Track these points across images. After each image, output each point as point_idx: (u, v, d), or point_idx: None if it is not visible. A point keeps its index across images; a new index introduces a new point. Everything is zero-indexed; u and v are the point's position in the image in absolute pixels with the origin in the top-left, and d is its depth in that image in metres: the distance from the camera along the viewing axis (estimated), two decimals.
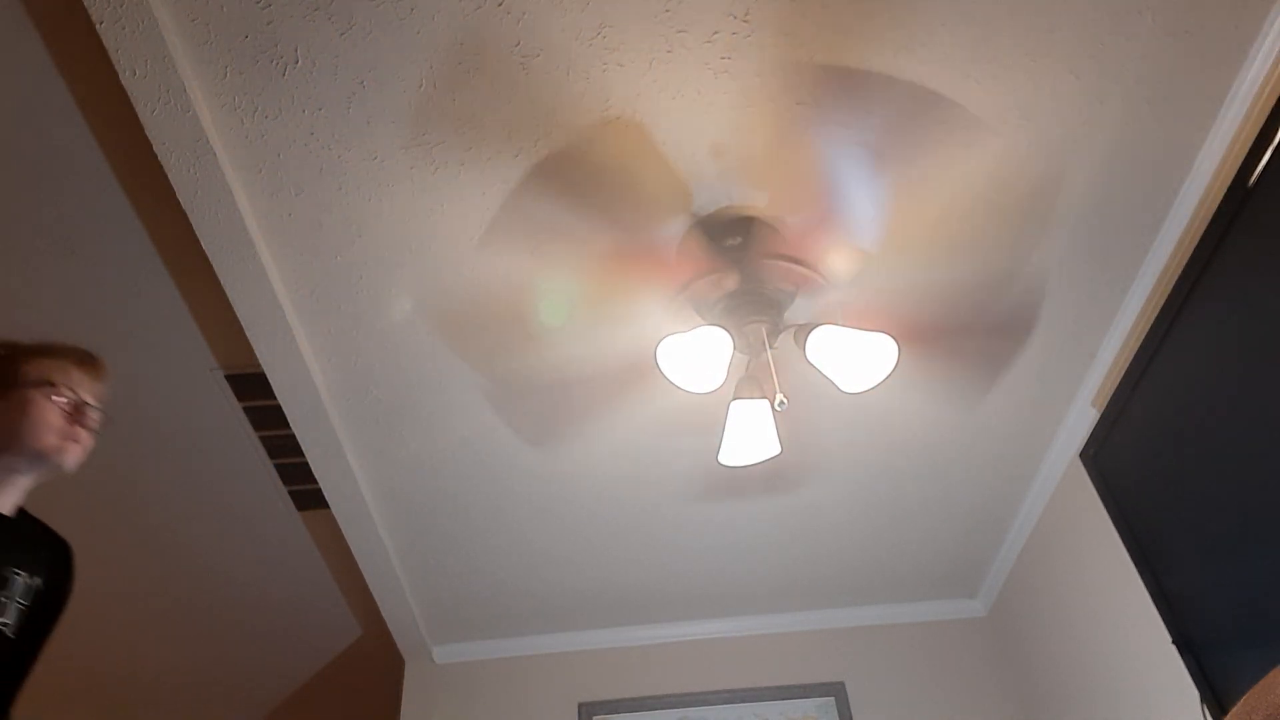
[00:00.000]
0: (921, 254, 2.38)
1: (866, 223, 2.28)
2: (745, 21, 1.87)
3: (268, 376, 2.53)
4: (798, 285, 2.33)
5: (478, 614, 3.63)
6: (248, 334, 2.39)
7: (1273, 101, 2.01)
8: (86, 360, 1.77)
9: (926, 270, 2.42)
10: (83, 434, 1.71)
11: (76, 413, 1.70)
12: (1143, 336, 2.47)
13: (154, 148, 1.96)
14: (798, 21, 1.88)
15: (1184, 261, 2.28)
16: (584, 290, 2.38)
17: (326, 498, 2.95)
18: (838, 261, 2.33)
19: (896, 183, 2.19)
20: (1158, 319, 2.38)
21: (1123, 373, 2.55)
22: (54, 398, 1.68)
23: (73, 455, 1.69)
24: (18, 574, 1.62)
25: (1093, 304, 2.58)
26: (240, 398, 2.94)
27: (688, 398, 2.65)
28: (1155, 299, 2.45)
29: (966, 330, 2.60)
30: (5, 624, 1.60)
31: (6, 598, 1.60)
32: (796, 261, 2.28)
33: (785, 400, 2.17)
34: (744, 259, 2.23)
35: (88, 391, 1.74)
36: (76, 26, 1.91)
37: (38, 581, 1.66)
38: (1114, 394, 2.58)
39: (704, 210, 2.22)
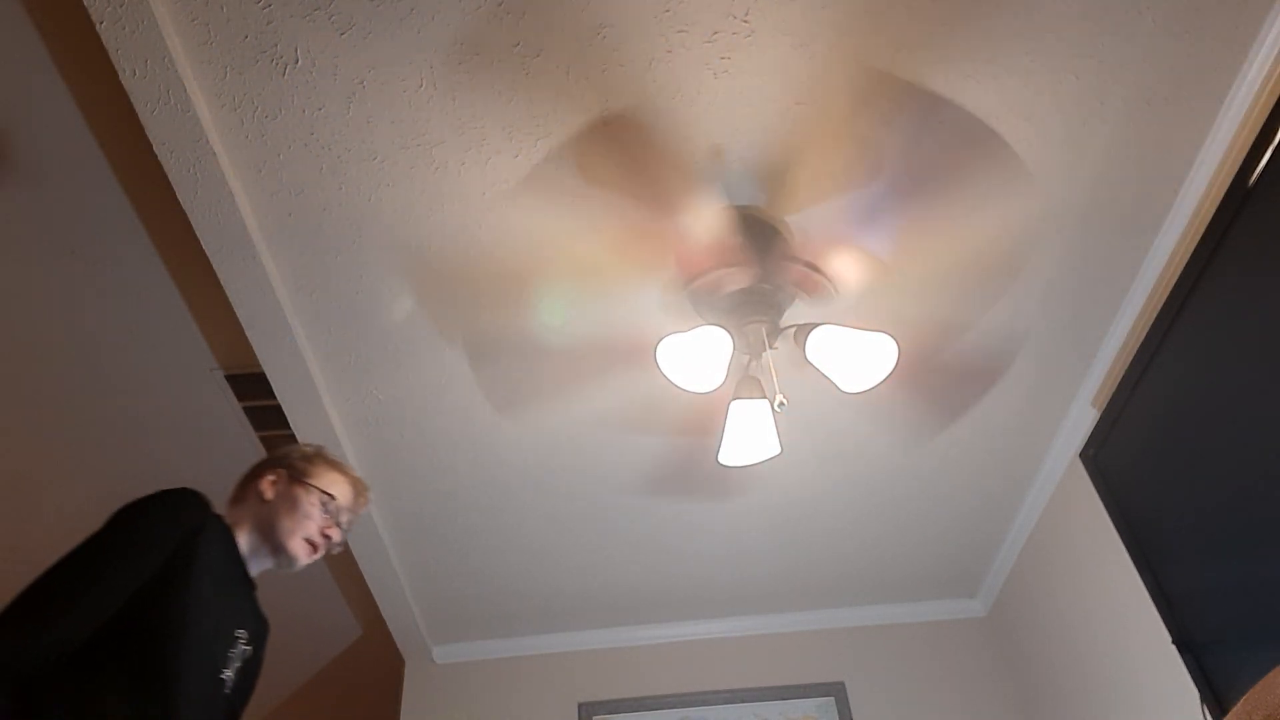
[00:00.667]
0: (922, 294, 2.38)
1: (880, 232, 2.29)
2: (745, 21, 1.87)
3: (268, 376, 2.53)
4: (810, 291, 2.32)
5: (478, 614, 3.63)
6: (248, 334, 2.39)
7: (1273, 101, 2.01)
8: (361, 490, 1.88)
9: (924, 308, 2.42)
10: (322, 550, 1.80)
11: (330, 530, 1.80)
12: (1143, 336, 2.47)
13: (154, 148, 1.96)
14: (798, 21, 1.88)
15: (1184, 261, 2.28)
16: (585, 291, 2.38)
17: None
18: (853, 273, 2.34)
19: (902, 185, 2.19)
20: (1158, 319, 2.38)
21: (1123, 373, 2.55)
22: (324, 510, 1.79)
23: (303, 563, 1.79)
24: (242, 637, 1.71)
25: (1093, 304, 2.58)
26: (240, 398, 2.94)
27: (688, 398, 2.65)
28: (1155, 299, 2.45)
29: (965, 327, 2.61)
30: (229, 678, 1.67)
31: (233, 655, 1.68)
32: (813, 268, 2.28)
33: (785, 401, 2.17)
34: (765, 258, 2.22)
35: (348, 517, 1.85)
36: (76, 27, 1.91)
37: (250, 650, 1.75)
38: (1114, 394, 2.58)
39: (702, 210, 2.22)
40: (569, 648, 3.78)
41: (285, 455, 1.86)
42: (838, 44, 1.92)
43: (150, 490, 1.63)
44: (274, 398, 2.60)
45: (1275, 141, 1.98)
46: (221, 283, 2.26)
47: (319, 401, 2.60)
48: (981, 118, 2.07)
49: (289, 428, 2.70)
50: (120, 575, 1.50)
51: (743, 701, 3.58)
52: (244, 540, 1.75)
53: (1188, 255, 2.26)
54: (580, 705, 3.62)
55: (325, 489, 1.80)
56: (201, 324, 2.70)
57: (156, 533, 1.57)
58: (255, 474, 1.83)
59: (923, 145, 2.12)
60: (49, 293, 2.58)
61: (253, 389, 2.88)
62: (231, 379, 2.88)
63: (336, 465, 1.87)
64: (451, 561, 3.33)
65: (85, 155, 2.23)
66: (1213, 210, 2.18)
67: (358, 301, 2.38)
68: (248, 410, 2.99)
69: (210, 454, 3.16)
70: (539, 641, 3.78)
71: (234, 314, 2.34)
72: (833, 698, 3.58)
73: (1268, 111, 2.02)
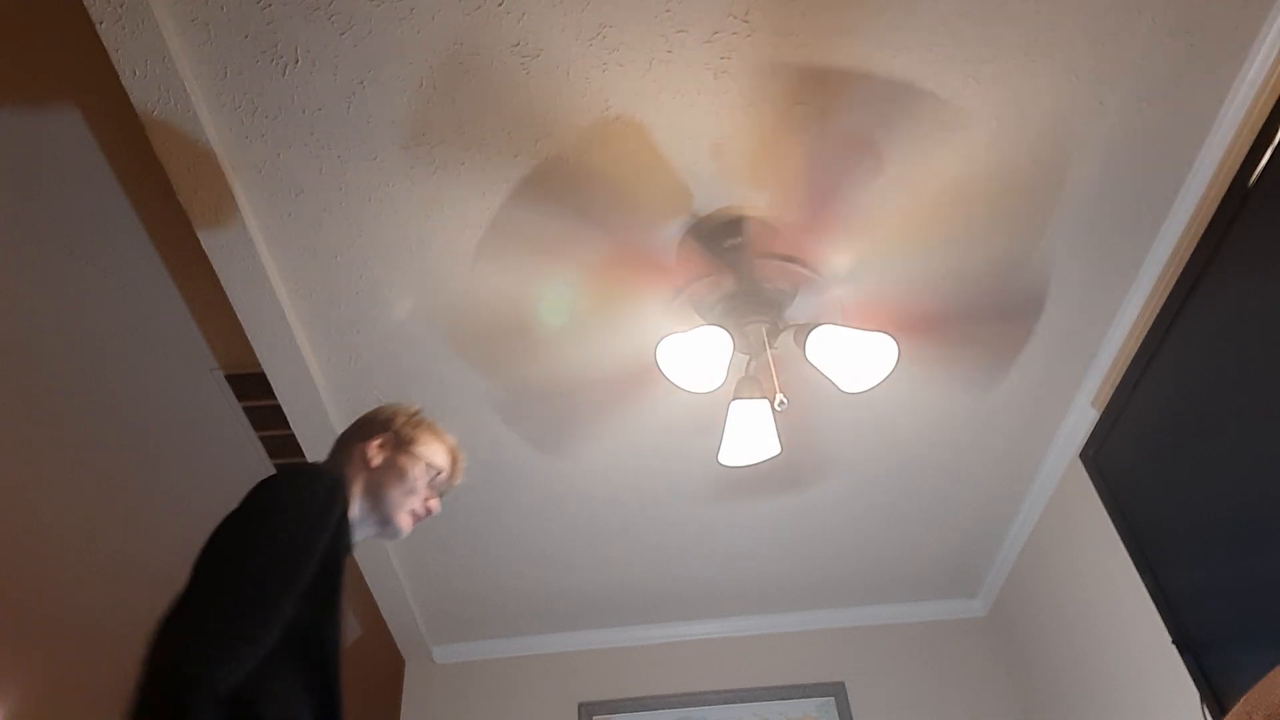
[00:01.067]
0: (921, 250, 2.38)
1: (861, 216, 2.28)
2: (745, 21, 1.87)
3: (268, 376, 2.53)
4: (795, 284, 2.33)
5: (478, 614, 3.63)
6: (248, 334, 2.39)
7: (1273, 101, 2.01)
8: (459, 459, 1.81)
9: (926, 264, 2.42)
10: (421, 520, 1.75)
11: (432, 501, 1.75)
12: (1143, 336, 2.47)
13: (154, 147, 1.96)
14: (798, 21, 1.88)
15: (1184, 261, 2.28)
16: (583, 293, 2.38)
17: None
18: (834, 257, 2.33)
19: (896, 178, 2.19)
20: (1158, 319, 2.38)
21: (1123, 373, 2.55)
22: (430, 483, 1.73)
23: (405, 535, 1.74)
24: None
25: (1093, 304, 2.58)
26: (240, 398, 2.94)
27: (688, 398, 2.65)
28: (1155, 299, 2.45)
29: (966, 329, 2.60)
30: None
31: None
32: (792, 260, 2.28)
33: (785, 400, 2.17)
34: (740, 259, 2.23)
35: (447, 486, 1.79)
36: (77, 27, 1.91)
37: None
38: (1114, 394, 2.58)
39: (703, 210, 2.22)
40: (569, 648, 3.78)
41: (390, 418, 1.77)
42: (838, 44, 1.92)
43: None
44: (274, 398, 2.60)
45: (1275, 141, 1.98)
46: (221, 283, 2.26)
47: (319, 401, 2.60)
48: (984, 119, 2.07)
49: (289, 428, 2.70)
50: (307, 568, 1.40)
51: (743, 701, 3.58)
52: (353, 507, 1.67)
53: (1187, 255, 2.26)
54: (580, 705, 3.62)
55: (430, 460, 1.73)
56: (201, 324, 2.70)
57: (325, 522, 1.48)
58: (360, 435, 1.74)
59: (925, 147, 2.11)
60: (49, 293, 2.58)
61: (253, 389, 2.88)
62: (231, 379, 2.88)
63: (439, 433, 1.79)
64: (451, 561, 3.33)
65: (85, 155, 2.23)
66: (1213, 210, 2.18)
67: (357, 301, 2.38)
68: (248, 410, 2.99)
69: (210, 454, 3.17)
70: (539, 641, 3.78)
71: (234, 314, 2.34)
72: (833, 698, 3.58)
73: (1268, 111, 2.02)
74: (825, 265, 2.33)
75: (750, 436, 2.36)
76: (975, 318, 2.58)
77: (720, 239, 2.23)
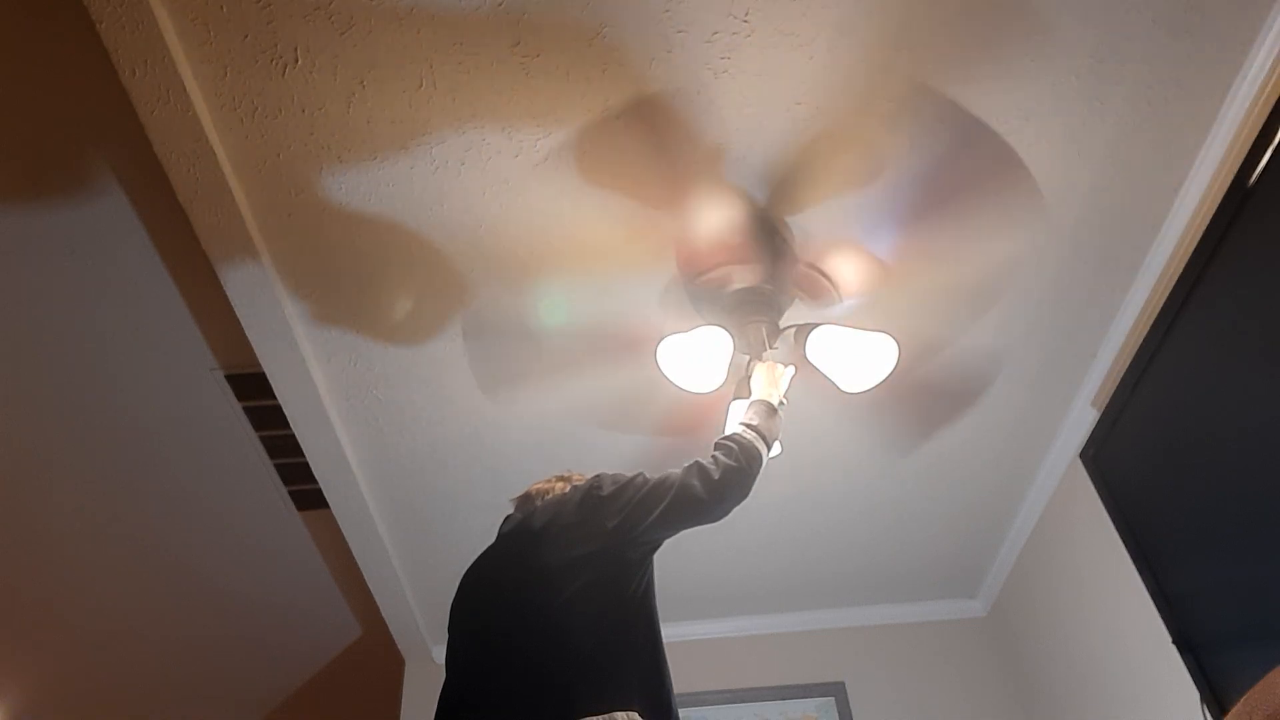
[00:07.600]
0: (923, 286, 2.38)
1: (885, 237, 2.29)
2: (745, 21, 1.87)
3: (268, 376, 2.53)
4: (812, 294, 2.32)
5: None
6: (248, 334, 2.39)
7: (1273, 101, 2.01)
8: None
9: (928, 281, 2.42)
10: None
11: None
12: (1143, 336, 2.47)
13: (154, 148, 1.96)
14: (797, 21, 1.88)
15: (1184, 261, 2.28)
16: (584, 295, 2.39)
17: (326, 498, 2.95)
18: (857, 276, 2.34)
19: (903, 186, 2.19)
20: (1158, 319, 2.39)
21: (1123, 373, 2.55)
22: None
23: None
24: None
25: (1092, 304, 2.58)
26: (240, 398, 2.94)
27: (689, 397, 2.65)
28: (1155, 299, 2.45)
29: (965, 328, 2.61)
30: None
31: None
32: (816, 270, 2.28)
33: (785, 400, 2.17)
34: (768, 258, 2.22)
35: None
36: (76, 26, 1.91)
37: None
38: (1114, 394, 2.58)
39: (702, 213, 2.21)
40: None
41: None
42: (838, 44, 1.92)
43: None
44: (274, 398, 2.60)
45: (1275, 141, 1.98)
46: (221, 283, 2.26)
47: (319, 401, 2.60)
48: (982, 119, 2.08)
49: (289, 427, 2.70)
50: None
51: (743, 701, 3.57)
52: None
53: (1188, 255, 2.26)
54: None
55: None
56: (201, 324, 2.70)
57: None
58: None
59: (929, 150, 2.11)
60: (49, 293, 2.58)
61: (253, 389, 2.88)
62: (231, 379, 2.88)
63: None
64: (452, 561, 3.32)
65: (85, 155, 2.23)
66: (1213, 210, 2.18)
67: (358, 301, 2.38)
68: (248, 410, 2.99)
69: (210, 454, 3.17)
70: None
71: (234, 314, 2.34)
72: (833, 698, 3.58)
73: (1268, 111, 2.03)
74: (846, 284, 2.34)
75: None
76: (968, 329, 2.58)
77: (760, 233, 2.22)
